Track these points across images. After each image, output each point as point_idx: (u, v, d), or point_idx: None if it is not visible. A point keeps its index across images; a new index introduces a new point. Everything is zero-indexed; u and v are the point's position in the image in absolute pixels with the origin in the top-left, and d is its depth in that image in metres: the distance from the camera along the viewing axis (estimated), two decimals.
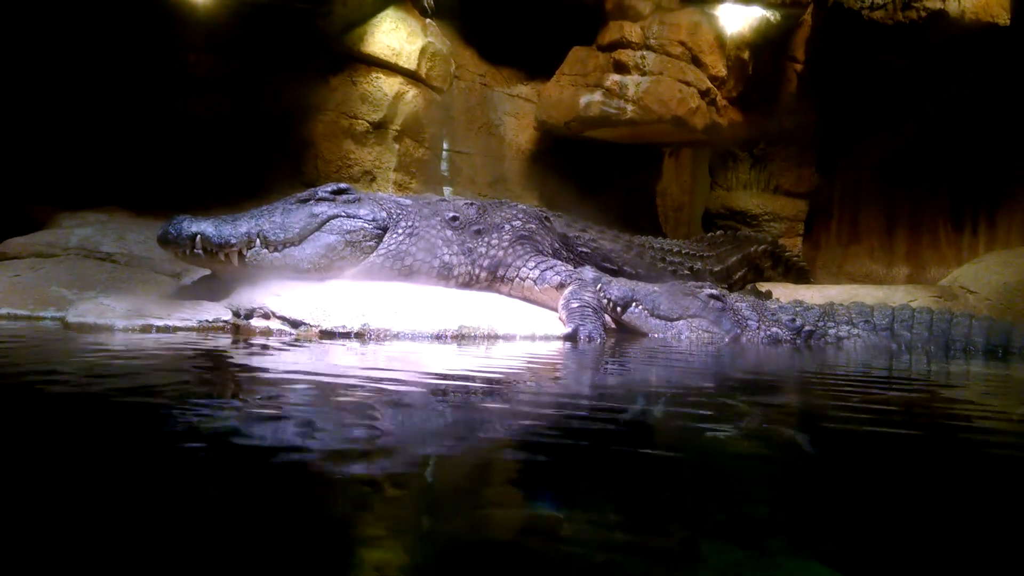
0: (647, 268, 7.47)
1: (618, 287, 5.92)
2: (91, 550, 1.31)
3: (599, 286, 5.88)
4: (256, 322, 5.05)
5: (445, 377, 3.47)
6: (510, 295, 6.11)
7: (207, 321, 5.01)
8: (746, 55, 10.04)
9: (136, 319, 4.74)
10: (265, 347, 4.30)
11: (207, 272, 5.76)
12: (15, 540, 1.34)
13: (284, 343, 4.50)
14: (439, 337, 5.02)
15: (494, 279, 6.10)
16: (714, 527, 1.55)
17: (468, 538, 1.45)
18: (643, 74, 9.57)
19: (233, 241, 5.28)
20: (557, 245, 6.57)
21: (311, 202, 5.72)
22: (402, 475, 1.80)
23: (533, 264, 6.06)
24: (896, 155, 11.56)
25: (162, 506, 1.55)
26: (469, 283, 6.03)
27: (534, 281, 5.99)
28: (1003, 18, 9.58)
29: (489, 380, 3.40)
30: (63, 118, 8.04)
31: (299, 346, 4.42)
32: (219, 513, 1.53)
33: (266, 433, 2.10)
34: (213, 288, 5.58)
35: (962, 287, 8.19)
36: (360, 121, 8.77)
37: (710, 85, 9.77)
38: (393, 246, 5.80)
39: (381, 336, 4.91)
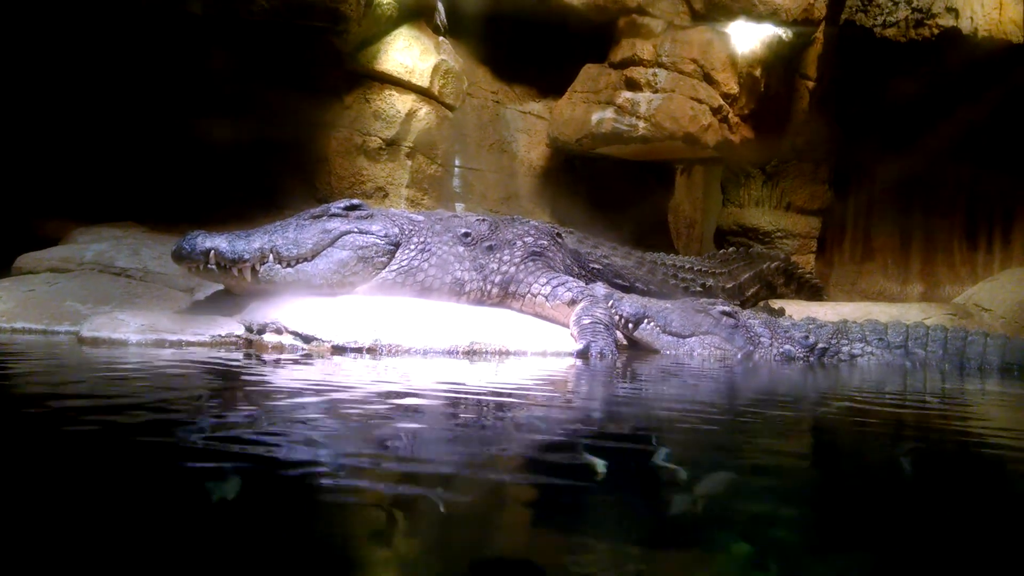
0: (659, 285, 7.45)
1: (630, 304, 5.90)
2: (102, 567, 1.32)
3: (611, 303, 5.86)
4: (269, 337, 5.07)
5: (455, 393, 3.46)
6: (522, 311, 6.10)
7: (220, 336, 5.04)
8: (758, 72, 10.04)
9: (150, 334, 4.77)
10: (277, 362, 4.32)
11: (220, 287, 5.79)
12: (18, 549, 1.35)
13: (296, 358, 4.52)
14: (450, 353, 5.02)
15: (506, 295, 6.10)
16: None
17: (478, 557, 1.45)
18: (655, 91, 9.58)
19: (246, 257, 5.32)
20: (569, 261, 6.57)
21: (324, 218, 5.74)
22: (412, 495, 1.79)
23: (545, 280, 6.04)
24: (910, 172, 11.50)
25: (173, 523, 1.56)
26: (481, 299, 6.03)
27: (546, 297, 5.97)
28: (1016, 36, 9.57)
29: (499, 398, 3.39)
30: (78, 132, 8.11)
31: (311, 361, 4.43)
32: (233, 531, 1.53)
33: (274, 448, 2.10)
34: (226, 303, 5.61)
35: (977, 305, 8.12)
36: (373, 138, 8.81)
37: (722, 102, 9.77)
38: (405, 262, 5.81)
39: (392, 352, 4.91)
